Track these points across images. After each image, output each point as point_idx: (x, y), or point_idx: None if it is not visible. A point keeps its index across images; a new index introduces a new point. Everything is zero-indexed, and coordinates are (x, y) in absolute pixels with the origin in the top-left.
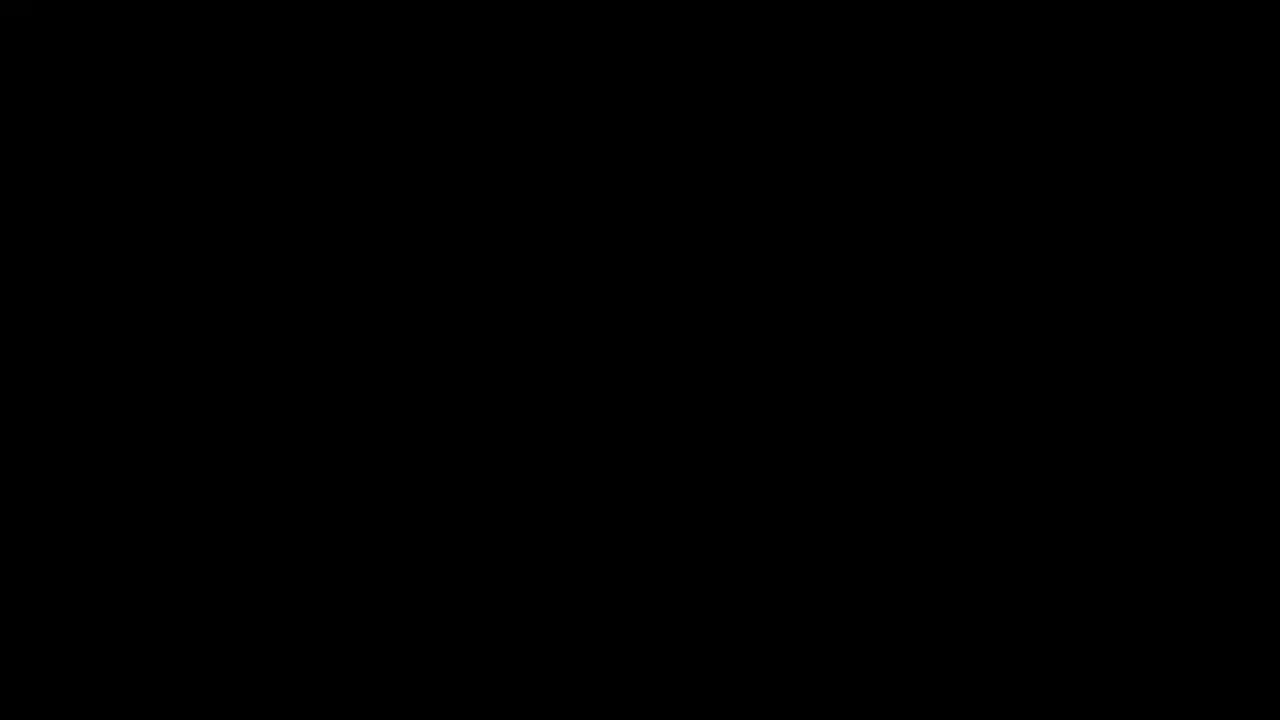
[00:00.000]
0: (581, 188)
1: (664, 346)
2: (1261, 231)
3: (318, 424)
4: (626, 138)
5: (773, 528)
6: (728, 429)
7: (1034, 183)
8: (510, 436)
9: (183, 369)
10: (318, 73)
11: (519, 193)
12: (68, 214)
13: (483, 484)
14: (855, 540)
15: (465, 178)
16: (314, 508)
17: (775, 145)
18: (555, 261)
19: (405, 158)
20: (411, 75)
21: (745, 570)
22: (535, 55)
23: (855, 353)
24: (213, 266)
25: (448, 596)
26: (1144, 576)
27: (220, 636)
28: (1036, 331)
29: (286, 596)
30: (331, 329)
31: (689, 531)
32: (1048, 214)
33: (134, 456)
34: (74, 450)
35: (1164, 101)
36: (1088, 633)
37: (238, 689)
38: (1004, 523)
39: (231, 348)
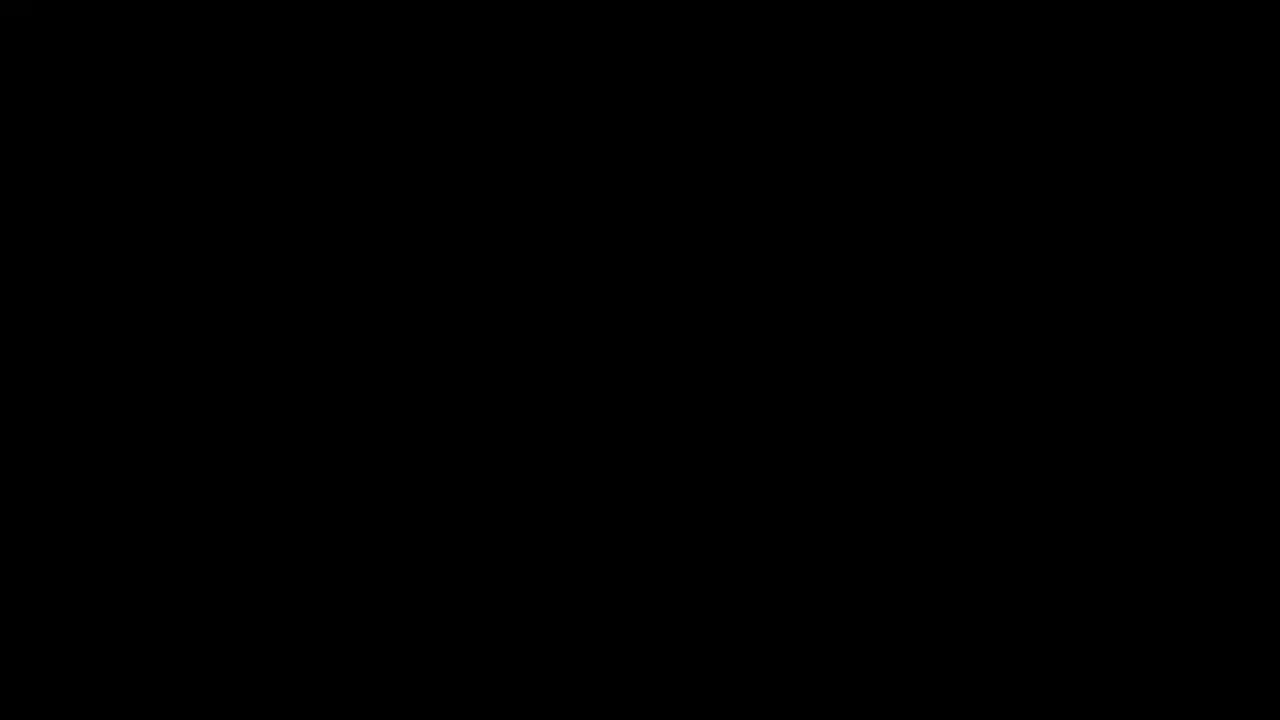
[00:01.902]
0: (581, 188)
1: (664, 346)
2: (1261, 231)
3: (318, 424)
4: (626, 138)
5: (773, 528)
6: (728, 429)
7: (1034, 183)
8: (510, 436)
9: (183, 369)
10: (318, 73)
11: (519, 193)
12: (68, 214)
13: (483, 484)
14: (855, 540)
15: (465, 178)
16: (314, 508)
17: (775, 145)
18: (555, 261)
19: (405, 158)
20: (411, 75)
21: (745, 570)
22: (535, 55)
23: (855, 352)
24: (213, 266)
25: (448, 597)
26: (1144, 577)
27: (220, 637)
28: (1037, 331)
29: (286, 597)
30: (331, 329)
31: (689, 531)
32: (1048, 214)
33: (134, 456)
34: (74, 450)
35: (1164, 102)
36: (1088, 633)
37: (238, 689)
38: (1004, 523)
39: (232, 347)
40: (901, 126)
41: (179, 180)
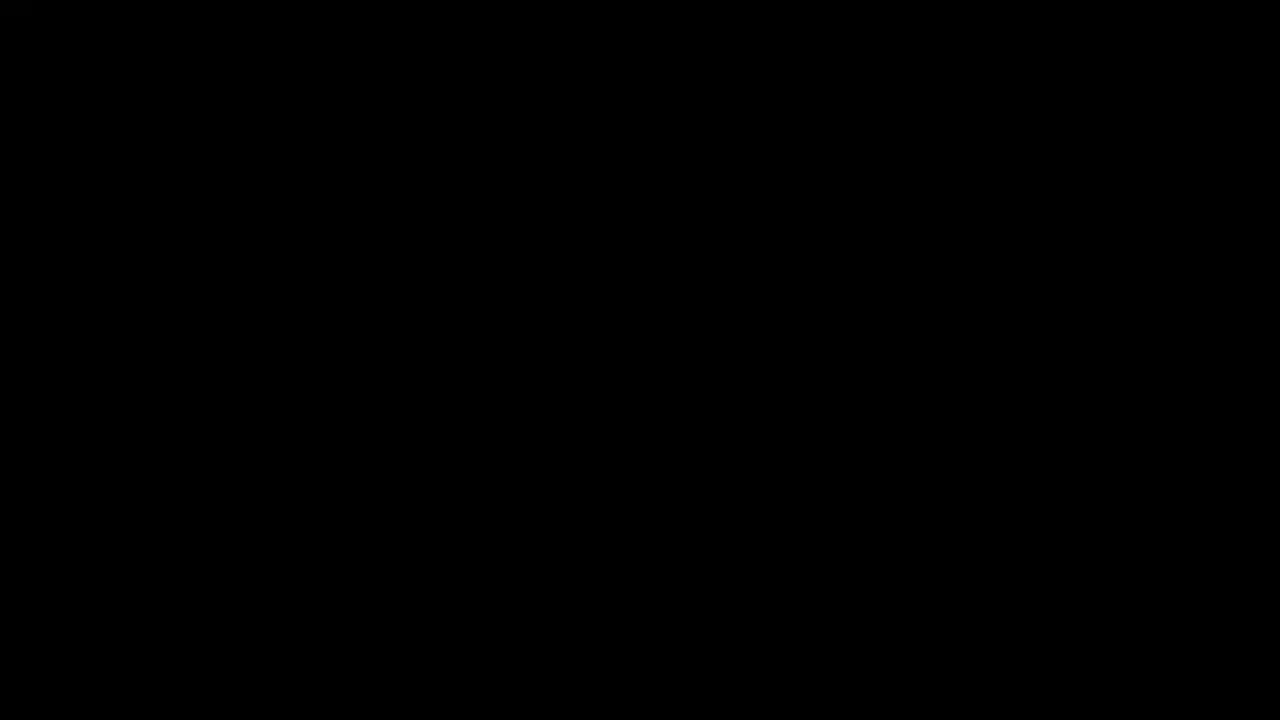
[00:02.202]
0: (581, 188)
1: (664, 347)
2: (1261, 231)
3: (318, 424)
4: (626, 138)
5: (773, 528)
6: (728, 429)
7: (1034, 183)
8: (510, 437)
9: (183, 369)
10: (318, 73)
11: (519, 193)
12: (68, 214)
13: (483, 484)
14: (855, 540)
15: (465, 178)
16: (314, 508)
17: (775, 145)
18: (555, 261)
19: (405, 158)
20: (411, 75)
21: (745, 570)
22: (535, 55)
23: (855, 353)
24: (212, 266)
25: (448, 597)
26: (1144, 577)
27: (220, 637)
28: (1037, 332)
29: (286, 597)
30: (331, 329)
31: (689, 532)
32: (1048, 214)
33: (134, 457)
34: (74, 450)
35: (1164, 101)
36: (1088, 633)
37: (238, 689)
38: (1004, 523)
39: (231, 348)
40: (901, 127)
41: (179, 180)
